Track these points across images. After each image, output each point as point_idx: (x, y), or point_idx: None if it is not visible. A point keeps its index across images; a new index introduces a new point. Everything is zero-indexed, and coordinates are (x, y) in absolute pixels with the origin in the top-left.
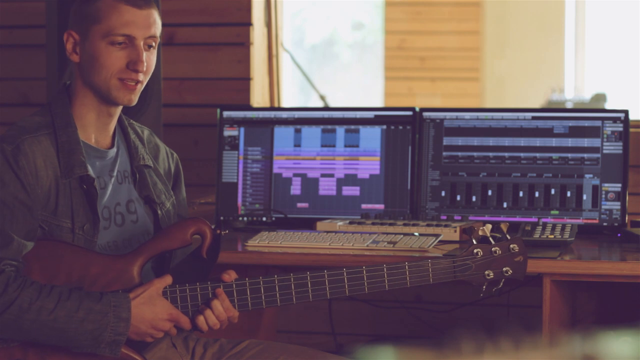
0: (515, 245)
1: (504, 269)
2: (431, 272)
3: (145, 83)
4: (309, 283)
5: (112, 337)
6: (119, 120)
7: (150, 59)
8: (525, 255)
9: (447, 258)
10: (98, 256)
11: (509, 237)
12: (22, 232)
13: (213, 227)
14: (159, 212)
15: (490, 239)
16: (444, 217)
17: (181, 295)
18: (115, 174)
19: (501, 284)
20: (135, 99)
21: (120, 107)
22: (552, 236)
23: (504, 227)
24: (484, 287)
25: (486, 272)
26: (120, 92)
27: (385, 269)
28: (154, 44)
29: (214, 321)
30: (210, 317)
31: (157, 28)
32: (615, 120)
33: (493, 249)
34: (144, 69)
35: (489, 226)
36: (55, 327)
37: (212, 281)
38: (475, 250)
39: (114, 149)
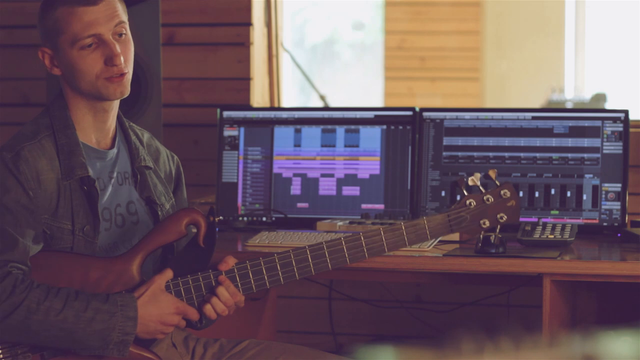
0: (506, 191)
1: (499, 215)
2: (428, 229)
3: (131, 71)
4: (309, 257)
5: (121, 337)
6: (120, 122)
7: (126, 47)
8: (517, 199)
9: (441, 213)
10: (96, 260)
11: (498, 184)
12: (27, 235)
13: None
14: (160, 213)
15: (480, 187)
16: None
17: (185, 287)
18: (115, 175)
19: (497, 230)
20: (126, 91)
21: (116, 103)
22: (552, 236)
23: (492, 174)
24: (481, 235)
25: (481, 221)
26: (109, 89)
27: (382, 231)
28: (124, 30)
29: (222, 308)
30: (218, 304)
31: (121, 13)
32: (615, 120)
33: (485, 197)
34: (122, 61)
35: (478, 175)
36: (64, 327)
37: (214, 269)
38: (467, 201)
39: (114, 150)
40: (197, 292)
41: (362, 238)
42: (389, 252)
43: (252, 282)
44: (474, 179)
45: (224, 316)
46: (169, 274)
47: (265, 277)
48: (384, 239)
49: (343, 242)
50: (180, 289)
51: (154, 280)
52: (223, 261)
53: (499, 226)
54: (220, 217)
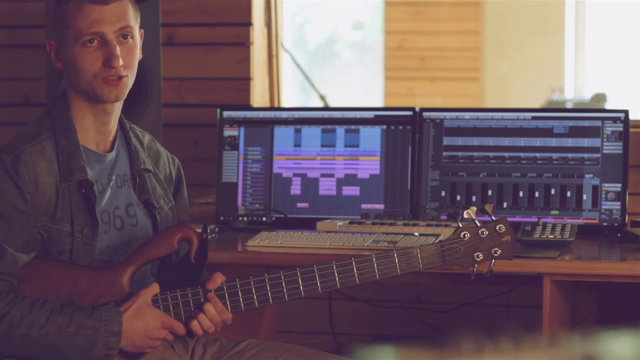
0: (502, 225)
1: (493, 249)
2: (420, 259)
3: (131, 77)
4: (300, 279)
5: (104, 351)
6: (121, 124)
7: (128, 51)
8: (512, 235)
9: (434, 244)
10: (86, 270)
11: (494, 218)
12: (18, 243)
13: (199, 232)
14: (158, 216)
15: (476, 221)
16: (444, 217)
17: (173, 302)
18: (114, 177)
19: (491, 264)
20: (121, 95)
21: (118, 105)
22: (552, 236)
23: (488, 209)
24: (474, 268)
25: (475, 254)
26: (104, 90)
27: (374, 258)
28: (129, 35)
29: (208, 324)
30: (204, 321)
31: (131, 18)
32: (615, 120)
33: (480, 230)
34: (119, 63)
35: (474, 208)
36: (46, 342)
37: (203, 285)
38: (462, 233)
39: (113, 153)
40: (185, 308)
41: (353, 263)
42: (379, 278)
43: (241, 300)
44: (470, 212)
45: (210, 332)
46: (155, 288)
47: (254, 296)
48: (375, 266)
49: (334, 267)
50: (168, 304)
51: (139, 294)
52: (211, 279)
53: (493, 261)
54: (213, 235)
